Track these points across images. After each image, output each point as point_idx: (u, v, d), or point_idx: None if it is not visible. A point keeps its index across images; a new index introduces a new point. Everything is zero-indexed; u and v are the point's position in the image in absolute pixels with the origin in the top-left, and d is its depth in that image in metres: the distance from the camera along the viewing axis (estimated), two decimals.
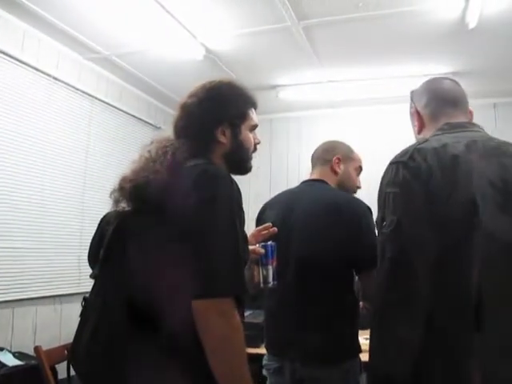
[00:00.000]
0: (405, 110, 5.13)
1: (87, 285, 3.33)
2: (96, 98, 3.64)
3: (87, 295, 1.22)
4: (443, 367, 1.04)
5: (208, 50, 3.32)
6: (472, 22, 2.78)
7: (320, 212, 1.79)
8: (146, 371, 1.03)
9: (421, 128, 1.42)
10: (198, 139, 1.27)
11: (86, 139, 3.55)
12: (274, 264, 1.56)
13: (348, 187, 1.96)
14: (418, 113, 1.43)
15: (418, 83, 4.18)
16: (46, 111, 3.17)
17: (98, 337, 1.09)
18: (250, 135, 1.37)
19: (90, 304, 1.18)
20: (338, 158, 1.96)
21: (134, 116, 4.12)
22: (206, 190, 1.09)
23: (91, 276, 1.26)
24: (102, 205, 3.60)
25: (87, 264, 1.67)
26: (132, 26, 2.99)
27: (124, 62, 3.59)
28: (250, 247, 1.49)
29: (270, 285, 1.56)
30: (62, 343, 2.44)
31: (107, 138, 3.79)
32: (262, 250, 1.55)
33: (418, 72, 3.73)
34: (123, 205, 1.22)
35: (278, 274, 1.56)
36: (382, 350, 1.09)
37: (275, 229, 1.66)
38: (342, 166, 1.96)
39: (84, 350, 1.12)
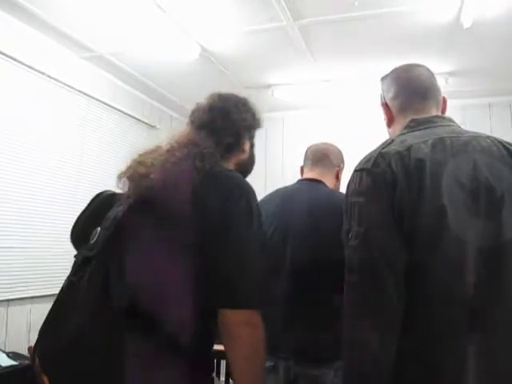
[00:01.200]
0: None
1: None
2: (90, 97, 3.62)
3: (71, 277, 1.16)
4: (425, 370, 1.02)
5: (203, 49, 3.31)
6: (467, 21, 2.78)
7: (324, 212, 1.77)
8: (142, 371, 1.01)
9: (390, 121, 1.34)
10: (228, 143, 1.29)
11: (80, 138, 3.53)
12: None
13: None
14: (386, 105, 1.34)
15: None
16: (40, 109, 3.15)
17: (92, 328, 1.04)
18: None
19: (79, 288, 1.10)
20: (342, 167, 2.01)
21: (128, 115, 4.10)
22: (242, 201, 1.11)
23: (78, 256, 1.19)
24: None
25: None
26: (127, 25, 2.98)
27: (119, 60, 3.58)
28: None
29: None
30: None
31: (102, 136, 3.77)
32: None
33: None
34: (126, 190, 1.19)
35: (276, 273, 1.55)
36: (355, 363, 1.06)
37: None
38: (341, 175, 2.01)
39: (70, 339, 1.06)
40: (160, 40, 3.19)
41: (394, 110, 1.31)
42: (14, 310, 2.89)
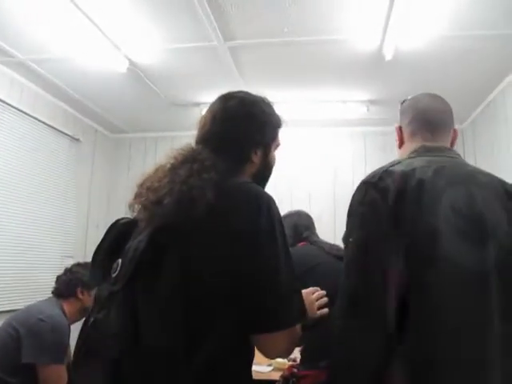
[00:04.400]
0: (322, 133, 5.31)
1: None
2: (7, 104, 3.42)
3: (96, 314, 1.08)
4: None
5: (132, 63, 3.25)
6: (388, 54, 2.96)
7: None
8: None
9: (401, 144, 1.46)
10: (233, 157, 1.21)
11: None
12: None
13: None
14: (400, 129, 1.46)
15: (336, 108, 4.33)
16: None
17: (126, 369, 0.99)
18: (275, 154, 1.36)
19: (107, 326, 1.03)
20: None
21: (49, 126, 3.92)
22: (267, 215, 1.05)
23: (101, 291, 1.11)
24: (9, 223, 3.40)
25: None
26: (53, 32, 2.86)
27: (41, 68, 3.41)
28: None
29: None
30: None
31: (18, 146, 3.55)
32: None
33: (336, 97, 3.90)
34: (140, 216, 1.12)
35: None
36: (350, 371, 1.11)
37: None
38: None
39: (104, 380, 0.99)
40: (87, 50, 3.09)
41: (405, 135, 1.43)
42: None
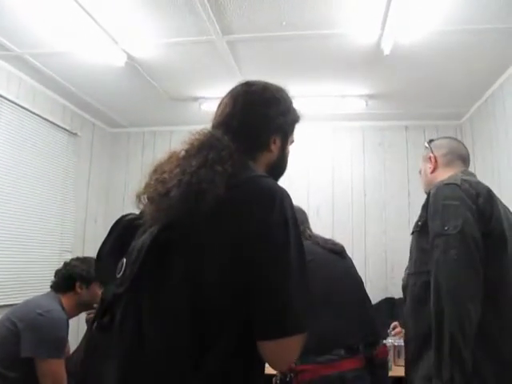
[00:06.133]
0: (321, 128, 5.29)
1: None
2: (5, 98, 3.40)
3: (100, 319, 1.04)
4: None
5: (130, 57, 3.24)
6: (387, 48, 2.95)
7: None
8: None
9: (434, 169, 1.93)
10: (251, 143, 1.17)
11: None
12: None
13: None
14: (435, 158, 1.93)
15: (334, 103, 4.30)
16: None
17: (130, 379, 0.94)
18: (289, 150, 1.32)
19: (112, 332, 0.99)
20: None
21: (47, 120, 3.90)
22: (279, 211, 0.99)
23: (106, 293, 1.06)
24: (7, 218, 3.39)
25: None
26: (50, 26, 2.84)
27: (39, 62, 3.40)
28: None
29: None
30: None
31: (16, 141, 3.54)
32: None
33: (335, 92, 3.90)
34: (146, 209, 1.07)
35: None
36: (458, 322, 1.42)
37: None
38: None
39: None
40: (84, 44, 3.07)
41: (439, 163, 1.92)
42: None
